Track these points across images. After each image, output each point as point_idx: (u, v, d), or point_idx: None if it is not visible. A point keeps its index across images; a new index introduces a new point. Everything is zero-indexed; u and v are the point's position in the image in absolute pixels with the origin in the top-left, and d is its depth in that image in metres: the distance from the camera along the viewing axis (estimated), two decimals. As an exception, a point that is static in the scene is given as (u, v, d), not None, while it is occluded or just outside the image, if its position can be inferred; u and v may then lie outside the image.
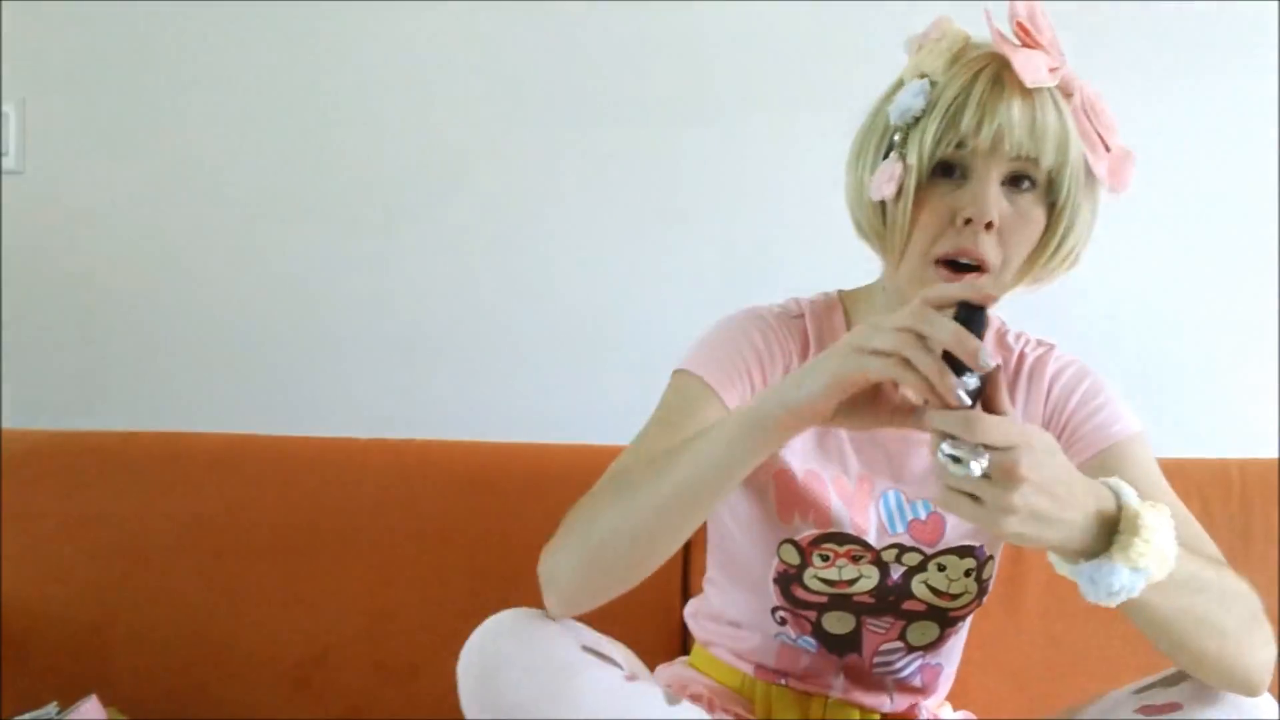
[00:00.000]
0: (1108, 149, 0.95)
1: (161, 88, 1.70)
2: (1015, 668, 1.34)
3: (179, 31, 1.69)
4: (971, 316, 0.72)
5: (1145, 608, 0.79)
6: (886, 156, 0.94)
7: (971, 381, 0.70)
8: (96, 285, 1.73)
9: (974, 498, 0.70)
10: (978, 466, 0.68)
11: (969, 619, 1.10)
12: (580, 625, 0.90)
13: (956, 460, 0.69)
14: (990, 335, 1.08)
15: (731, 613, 1.11)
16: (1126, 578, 0.73)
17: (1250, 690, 0.86)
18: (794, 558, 1.03)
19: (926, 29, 0.96)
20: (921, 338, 0.70)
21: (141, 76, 1.70)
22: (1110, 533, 0.74)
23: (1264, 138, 1.60)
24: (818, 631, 1.05)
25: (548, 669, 0.82)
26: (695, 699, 1.05)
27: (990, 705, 1.29)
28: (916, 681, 1.08)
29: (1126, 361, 1.61)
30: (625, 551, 0.85)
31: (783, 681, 1.08)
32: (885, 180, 0.93)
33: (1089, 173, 0.94)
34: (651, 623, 1.22)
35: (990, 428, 0.68)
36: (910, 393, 0.75)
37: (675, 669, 1.16)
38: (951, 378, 0.69)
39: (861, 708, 1.08)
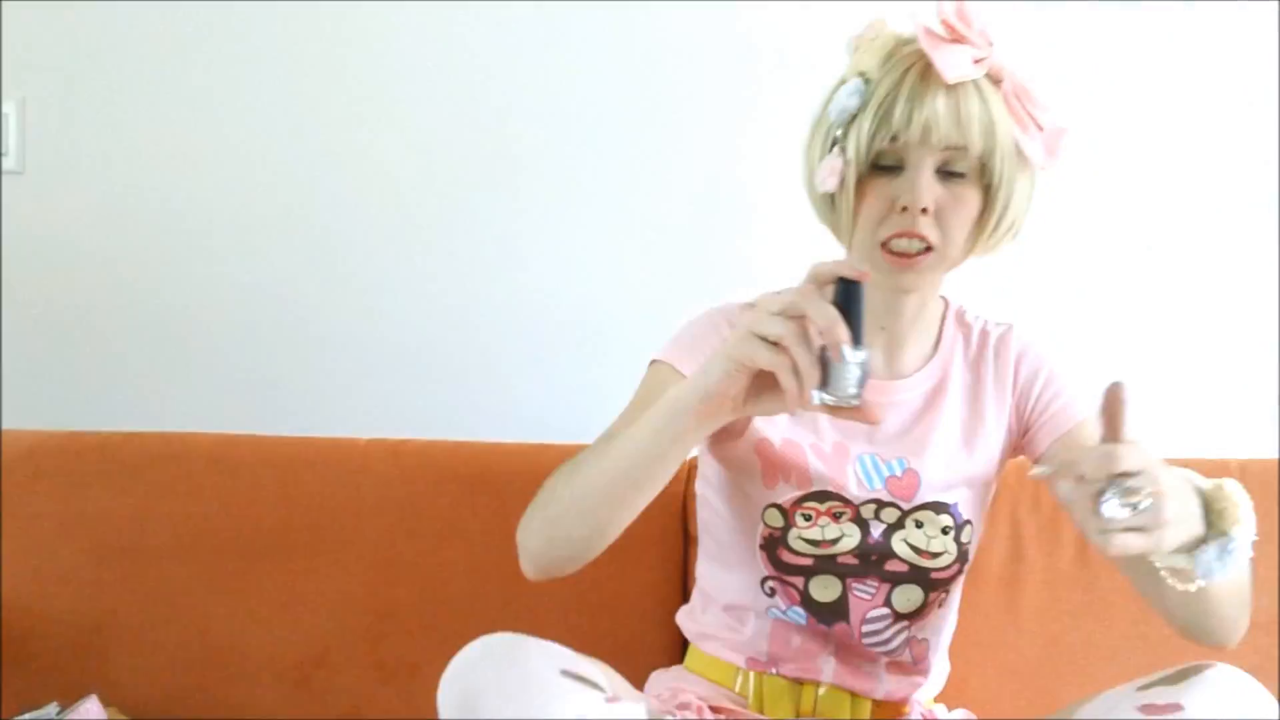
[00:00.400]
0: (1040, 128, 1.01)
1: (161, 88, 1.71)
2: (1015, 667, 1.34)
3: (179, 31, 1.69)
4: (849, 291, 0.78)
5: (1221, 586, 0.89)
6: (831, 151, 1.02)
7: (853, 371, 0.77)
8: (96, 285, 1.73)
9: (1136, 529, 0.76)
10: (1144, 501, 0.75)
11: (954, 594, 1.13)
12: (560, 648, 0.91)
13: (1125, 504, 0.75)
14: (936, 315, 1.15)
15: (724, 597, 1.15)
16: (1245, 543, 0.83)
17: (1229, 645, 1.02)
18: (778, 520, 1.08)
19: (863, 29, 1.04)
20: (805, 326, 0.79)
21: (141, 76, 1.70)
22: (1207, 514, 0.83)
23: (1264, 137, 1.60)
24: (806, 600, 1.09)
25: (526, 694, 0.82)
26: (683, 708, 1.06)
27: (989, 704, 1.29)
28: (905, 656, 1.11)
29: (1126, 361, 1.61)
30: (578, 524, 0.95)
31: (774, 670, 1.10)
32: (828, 175, 1.01)
33: (1021, 154, 1.00)
34: (652, 629, 1.21)
35: (1125, 458, 0.76)
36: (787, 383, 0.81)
37: (671, 674, 1.17)
38: (812, 391, 0.78)
39: (853, 694, 1.10)
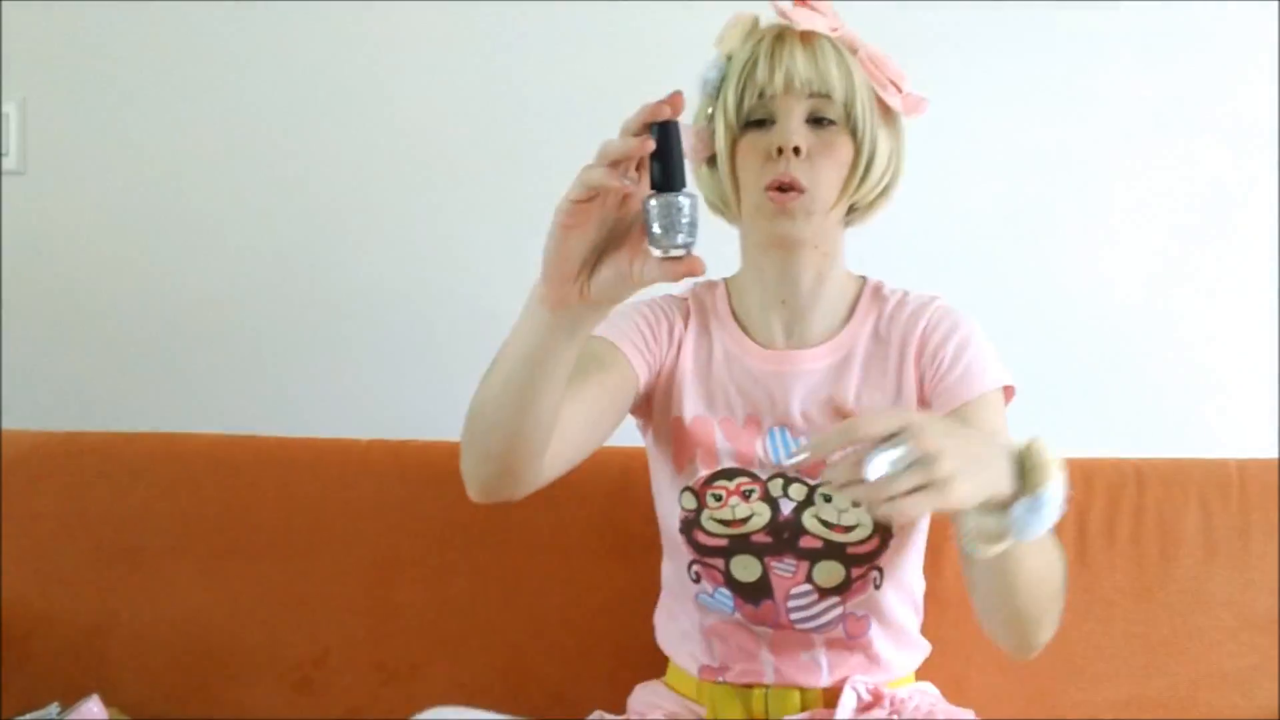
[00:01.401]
0: (899, 89, 1.07)
1: (161, 88, 1.71)
2: (1015, 667, 1.34)
3: (179, 31, 1.69)
4: (664, 131, 0.75)
5: (1025, 555, 0.89)
6: (705, 124, 1.07)
7: (677, 213, 0.74)
8: (96, 285, 1.73)
9: (918, 489, 0.74)
10: (900, 453, 0.74)
11: (898, 570, 1.11)
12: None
13: (886, 462, 0.74)
14: (846, 291, 1.14)
15: (667, 589, 1.18)
16: (1056, 498, 0.83)
17: (1031, 655, 1.02)
18: (691, 503, 1.09)
19: (725, 24, 1.09)
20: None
21: (141, 76, 1.71)
22: (1020, 473, 0.83)
23: (1264, 137, 1.60)
24: (729, 581, 1.09)
25: None
26: None
27: (989, 703, 1.29)
28: (839, 632, 1.09)
29: (1126, 362, 1.61)
30: (489, 438, 0.95)
31: (721, 679, 1.11)
32: (697, 144, 1.07)
33: (885, 107, 1.06)
34: (652, 629, 1.21)
35: (873, 422, 0.76)
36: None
37: (650, 689, 1.19)
38: (618, 181, 0.77)
39: (800, 689, 1.10)
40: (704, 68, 1.08)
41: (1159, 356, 1.62)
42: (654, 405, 1.13)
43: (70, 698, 1.28)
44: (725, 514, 1.08)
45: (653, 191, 0.76)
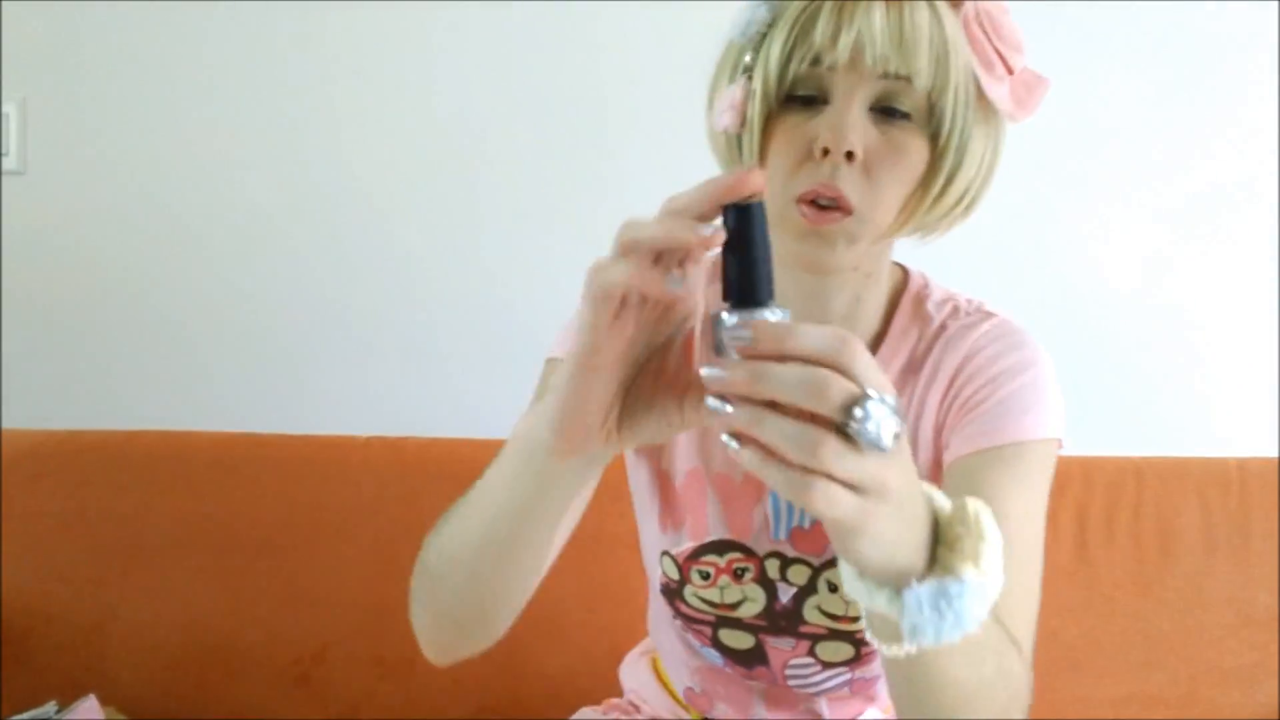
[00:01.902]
0: (1009, 70, 0.78)
1: (162, 88, 1.71)
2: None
3: (179, 31, 1.70)
4: (745, 218, 0.53)
5: (947, 665, 0.60)
6: (737, 80, 0.79)
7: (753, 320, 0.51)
8: (96, 285, 1.73)
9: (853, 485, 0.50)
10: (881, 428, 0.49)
11: None
12: None
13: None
14: (881, 303, 0.88)
15: (652, 612, 1.03)
16: (979, 597, 0.55)
17: None
18: (674, 572, 0.90)
19: None
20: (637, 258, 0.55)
21: (141, 76, 1.71)
22: (934, 543, 0.56)
23: (1264, 136, 1.60)
24: (717, 644, 0.94)
25: None
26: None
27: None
28: (846, 692, 0.94)
29: (1126, 360, 1.61)
30: (455, 601, 0.74)
31: (708, 716, 0.98)
32: (726, 108, 0.78)
33: (982, 97, 0.77)
34: (633, 639, 1.20)
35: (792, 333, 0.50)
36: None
37: (638, 669, 1.08)
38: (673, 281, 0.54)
39: None
40: (746, 3, 0.79)
41: (1159, 355, 1.62)
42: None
43: (70, 695, 1.28)
44: (712, 594, 0.89)
45: (725, 304, 0.53)
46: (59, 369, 1.74)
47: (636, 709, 1.09)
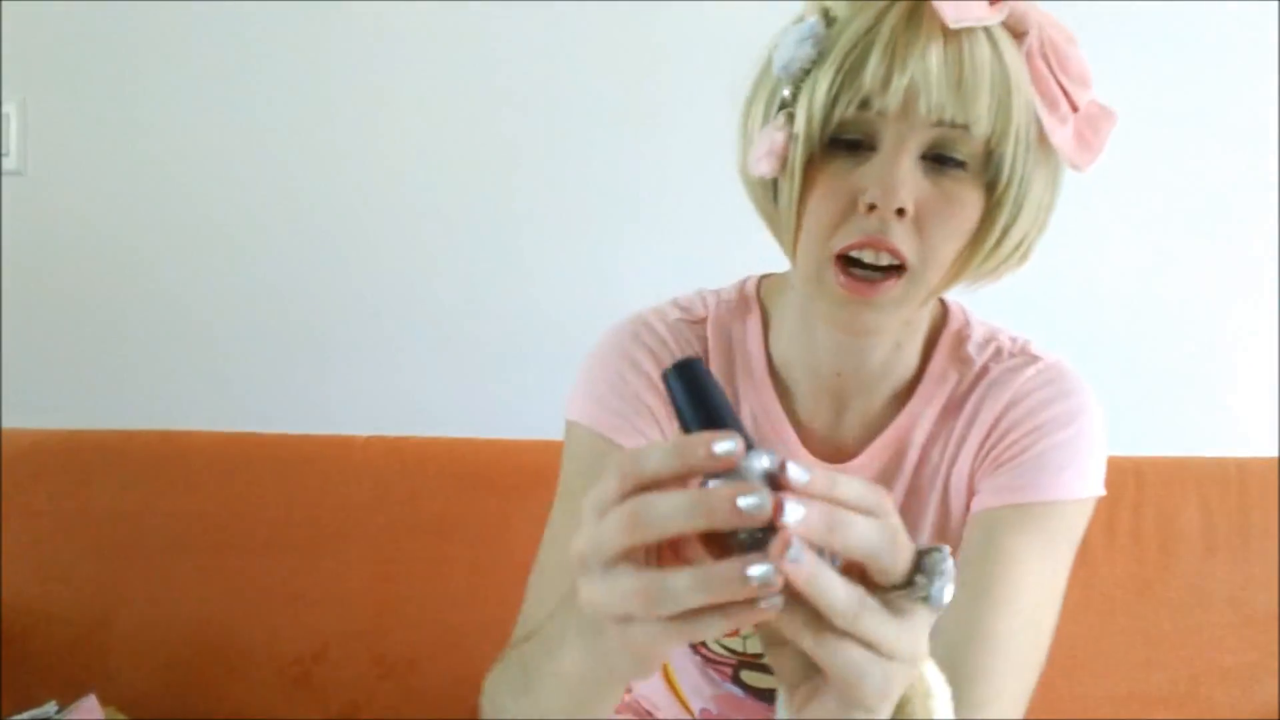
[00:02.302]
0: (1074, 108, 0.71)
1: (162, 87, 1.71)
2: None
3: (179, 31, 1.69)
4: (687, 376, 0.48)
5: None
6: (774, 118, 0.72)
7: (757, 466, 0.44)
8: (96, 285, 1.73)
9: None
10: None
11: None
12: None
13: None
14: (918, 344, 0.82)
15: (676, 658, 0.96)
16: None
17: None
18: None
19: None
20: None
21: (141, 76, 1.70)
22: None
23: (1264, 136, 1.60)
24: (738, 681, 0.90)
25: None
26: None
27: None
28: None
29: (1126, 359, 1.61)
30: None
31: None
32: (764, 153, 0.72)
33: (1044, 141, 0.71)
34: None
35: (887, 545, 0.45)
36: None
37: (650, 682, 1.01)
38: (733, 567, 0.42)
39: None
40: (790, 32, 0.71)
41: (1159, 355, 1.62)
42: None
43: (70, 694, 1.28)
44: (735, 644, 0.85)
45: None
46: (59, 369, 1.73)
47: (649, 713, 1.05)
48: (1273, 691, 1.29)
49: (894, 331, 0.79)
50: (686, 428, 0.47)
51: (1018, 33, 0.69)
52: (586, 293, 1.67)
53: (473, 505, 1.38)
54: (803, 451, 0.82)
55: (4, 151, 1.71)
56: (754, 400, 0.83)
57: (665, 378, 0.48)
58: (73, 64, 1.71)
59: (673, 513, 0.43)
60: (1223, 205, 1.61)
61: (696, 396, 0.47)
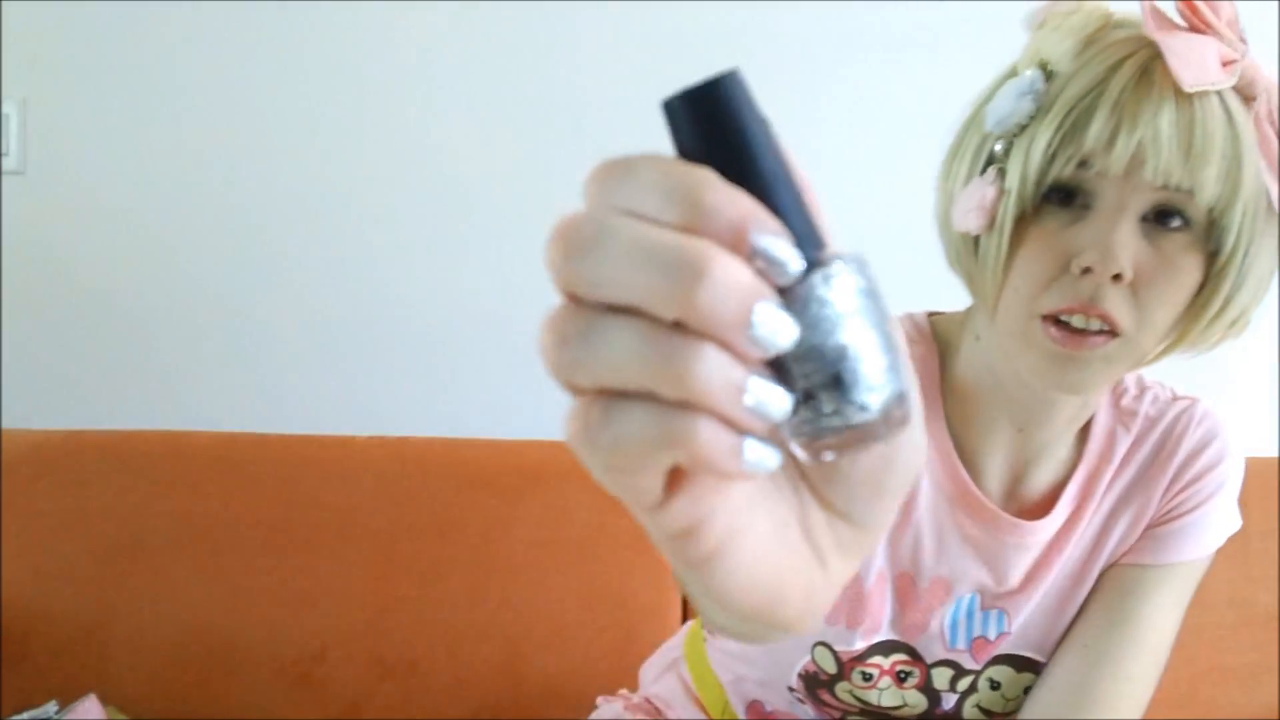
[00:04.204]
0: None
1: (161, 88, 1.71)
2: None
3: (179, 31, 1.70)
4: (718, 109, 0.31)
5: None
6: (983, 173, 0.70)
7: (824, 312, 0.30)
8: (96, 285, 1.73)
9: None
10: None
11: None
12: None
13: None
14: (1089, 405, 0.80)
15: (740, 667, 0.92)
16: None
17: None
18: (830, 664, 0.82)
19: (1047, 6, 0.72)
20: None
21: (141, 76, 1.71)
22: None
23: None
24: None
25: None
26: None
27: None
28: None
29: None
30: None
31: None
32: (972, 206, 0.69)
33: (1271, 209, 0.68)
34: (653, 625, 1.21)
35: None
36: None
37: (665, 683, 1.01)
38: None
39: None
40: (1008, 86, 0.69)
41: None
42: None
43: (69, 695, 1.28)
44: (870, 696, 0.82)
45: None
46: (59, 369, 1.73)
47: (659, 711, 1.02)
48: (1273, 691, 1.29)
49: (1098, 392, 0.77)
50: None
51: (1248, 97, 0.68)
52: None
53: (473, 505, 1.38)
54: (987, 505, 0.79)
55: (4, 151, 1.71)
56: (935, 459, 0.79)
57: (670, 108, 0.32)
58: (73, 64, 1.71)
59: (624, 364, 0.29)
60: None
61: (724, 133, 0.30)
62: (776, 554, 0.34)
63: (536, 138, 1.67)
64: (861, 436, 0.31)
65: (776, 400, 0.29)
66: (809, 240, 0.31)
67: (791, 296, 0.30)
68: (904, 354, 0.32)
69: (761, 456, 0.29)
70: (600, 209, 0.31)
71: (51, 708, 1.27)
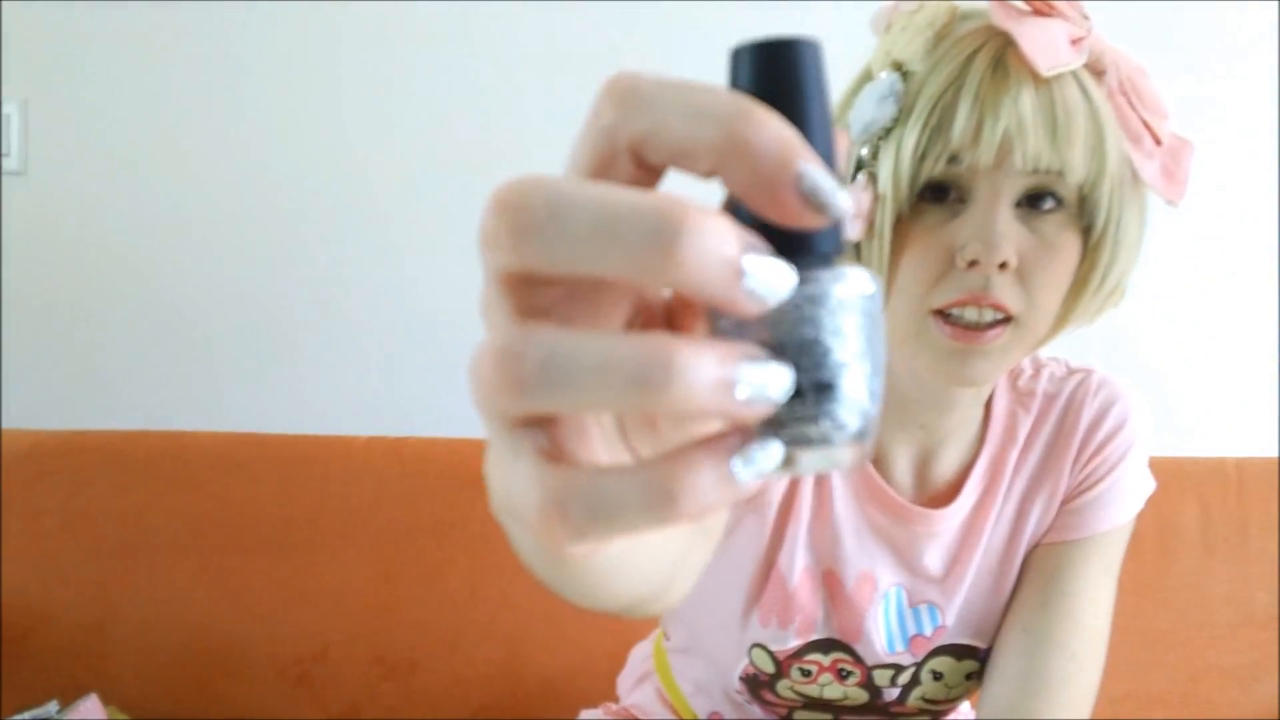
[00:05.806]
0: (1158, 141, 0.71)
1: (162, 88, 1.71)
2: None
3: (179, 32, 1.70)
4: (784, 70, 0.29)
5: None
6: (854, 179, 0.70)
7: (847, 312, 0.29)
8: (97, 285, 1.73)
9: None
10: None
11: None
12: None
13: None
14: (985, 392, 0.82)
15: (691, 672, 0.93)
16: None
17: None
18: (767, 665, 0.82)
19: (887, 7, 0.73)
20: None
21: (141, 76, 1.71)
22: None
23: (1264, 136, 1.60)
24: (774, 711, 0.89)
25: None
26: None
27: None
28: None
29: (1125, 359, 1.61)
30: None
31: None
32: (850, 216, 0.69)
33: (1135, 178, 0.71)
34: (634, 639, 1.20)
35: None
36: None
37: (644, 691, 1.01)
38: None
39: None
40: (866, 92, 0.69)
41: (1158, 354, 1.62)
42: (739, 524, 0.80)
43: (70, 695, 1.28)
44: (811, 690, 0.83)
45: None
46: (59, 369, 1.74)
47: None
48: (1273, 691, 1.29)
49: (995, 381, 0.78)
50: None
51: (1097, 72, 0.69)
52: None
53: (473, 505, 1.38)
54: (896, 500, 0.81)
55: (4, 151, 1.71)
56: None
57: (739, 55, 0.29)
58: (73, 64, 1.71)
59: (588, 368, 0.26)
60: (1222, 205, 1.61)
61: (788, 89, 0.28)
62: (661, 544, 0.32)
63: (540, 140, 1.67)
64: (835, 454, 0.29)
65: (774, 378, 0.27)
66: (837, 234, 0.30)
67: (807, 283, 0.28)
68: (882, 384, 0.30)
69: (748, 480, 0.27)
70: (598, 133, 0.28)
71: (52, 707, 1.27)
